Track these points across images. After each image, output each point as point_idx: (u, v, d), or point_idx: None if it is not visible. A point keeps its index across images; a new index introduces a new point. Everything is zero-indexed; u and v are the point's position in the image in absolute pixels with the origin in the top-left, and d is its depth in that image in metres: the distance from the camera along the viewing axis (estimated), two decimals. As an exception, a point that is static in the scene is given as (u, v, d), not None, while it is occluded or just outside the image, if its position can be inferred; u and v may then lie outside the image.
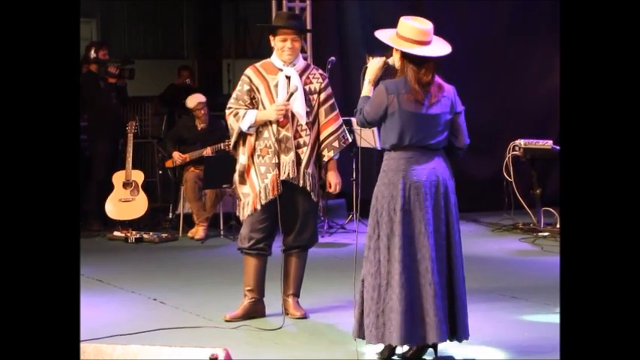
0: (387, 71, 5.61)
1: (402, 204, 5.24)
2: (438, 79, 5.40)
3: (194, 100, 10.42)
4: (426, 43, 5.34)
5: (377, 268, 5.26)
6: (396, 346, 5.34)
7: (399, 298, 5.16)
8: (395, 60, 5.43)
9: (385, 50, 5.49)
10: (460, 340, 5.36)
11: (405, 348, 5.38)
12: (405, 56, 5.33)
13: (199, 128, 10.44)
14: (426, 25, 5.41)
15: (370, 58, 5.63)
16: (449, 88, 5.44)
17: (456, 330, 5.31)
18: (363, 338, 5.33)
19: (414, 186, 5.25)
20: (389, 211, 5.26)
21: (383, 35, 5.43)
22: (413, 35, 5.32)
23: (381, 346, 5.39)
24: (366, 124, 5.49)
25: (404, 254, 5.19)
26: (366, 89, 5.52)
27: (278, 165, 6.19)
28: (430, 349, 5.40)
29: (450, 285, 5.30)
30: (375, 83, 5.47)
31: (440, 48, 5.39)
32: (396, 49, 5.36)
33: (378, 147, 5.46)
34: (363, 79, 5.57)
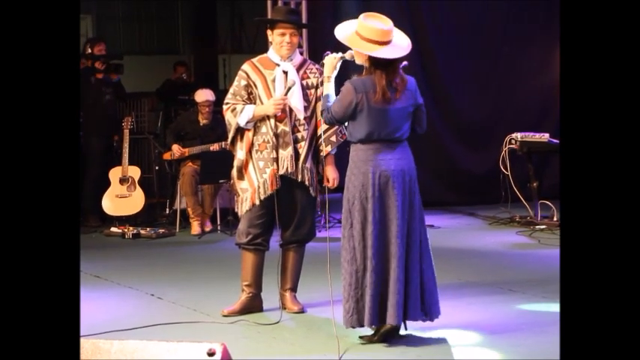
0: (347, 65, 5.80)
1: (373, 192, 5.47)
2: (400, 72, 5.57)
3: (202, 96, 10.44)
4: (389, 42, 5.48)
5: (352, 254, 5.49)
6: (381, 328, 5.54)
7: (370, 282, 5.42)
8: (358, 59, 5.58)
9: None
10: (432, 319, 5.58)
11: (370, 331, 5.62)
12: (372, 58, 5.47)
13: (201, 124, 10.45)
14: (387, 24, 5.51)
15: (327, 54, 5.75)
16: (411, 80, 5.61)
17: (426, 310, 5.54)
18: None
19: (383, 175, 5.48)
20: (361, 199, 5.49)
21: (344, 36, 5.55)
22: (375, 36, 5.45)
23: (361, 330, 5.62)
24: (335, 122, 5.71)
25: (374, 239, 5.44)
26: (326, 87, 5.71)
27: (276, 160, 6.18)
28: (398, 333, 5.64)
29: (407, 268, 5.49)
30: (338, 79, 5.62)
31: (402, 46, 5.53)
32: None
33: None
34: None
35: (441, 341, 5.66)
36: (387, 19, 5.52)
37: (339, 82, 5.77)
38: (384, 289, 5.45)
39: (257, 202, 6.21)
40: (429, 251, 5.62)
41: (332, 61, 5.72)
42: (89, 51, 10.98)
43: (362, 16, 5.53)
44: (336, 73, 5.73)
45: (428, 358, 5.37)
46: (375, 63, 5.46)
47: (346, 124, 5.67)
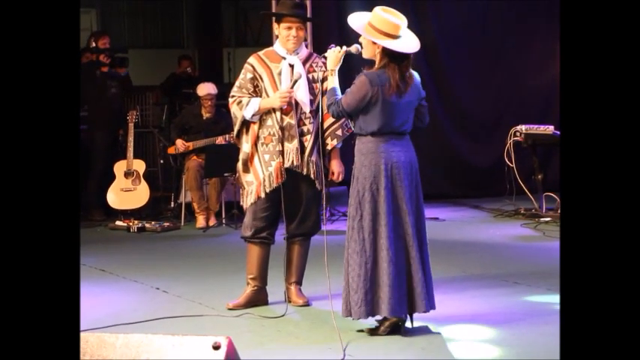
0: (351, 59, 5.83)
1: (386, 183, 5.51)
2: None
3: (204, 90, 10.45)
4: (401, 36, 5.50)
5: (362, 246, 5.50)
6: (386, 320, 5.58)
7: (388, 273, 5.45)
8: (367, 52, 5.59)
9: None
10: (428, 311, 5.60)
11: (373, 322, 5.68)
12: (385, 51, 5.48)
13: (204, 117, 10.47)
14: (402, 19, 5.53)
15: (332, 47, 5.77)
16: (415, 75, 5.64)
17: (429, 301, 5.61)
18: (351, 316, 5.57)
19: (394, 166, 5.52)
20: (371, 190, 5.51)
21: (358, 26, 5.57)
22: (390, 30, 5.48)
23: (366, 322, 5.67)
24: (345, 115, 5.70)
25: (389, 230, 5.47)
26: (331, 81, 5.72)
27: (282, 153, 6.19)
28: (402, 326, 5.64)
29: (422, 259, 5.58)
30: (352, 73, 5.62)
31: (414, 40, 5.56)
32: (376, 43, 5.50)
33: None
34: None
35: (445, 334, 5.66)
36: (400, 14, 5.54)
37: (341, 76, 5.77)
38: (406, 280, 5.50)
39: (262, 195, 6.21)
40: (427, 241, 5.69)
41: (336, 54, 5.73)
42: (93, 45, 10.98)
43: (377, 8, 5.53)
44: (339, 66, 5.75)
45: (432, 351, 5.38)
46: (391, 56, 5.47)
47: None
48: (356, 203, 5.56)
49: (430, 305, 5.59)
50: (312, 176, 6.24)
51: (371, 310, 5.52)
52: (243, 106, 6.22)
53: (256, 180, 6.23)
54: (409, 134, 5.67)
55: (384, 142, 5.54)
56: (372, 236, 5.49)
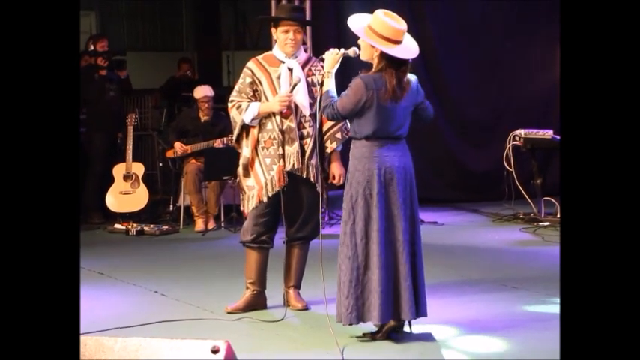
0: (350, 62, 5.82)
1: (379, 188, 5.48)
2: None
3: (201, 92, 10.45)
4: (400, 42, 5.48)
5: (354, 251, 5.50)
6: (384, 325, 5.56)
7: (378, 278, 5.43)
8: (365, 55, 5.57)
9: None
10: (414, 318, 5.57)
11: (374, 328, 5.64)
12: (384, 55, 5.46)
13: (202, 120, 10.46)
14: (402, 24, 5.52)
15: (328, 49, 5.77)
16: (413, 79, 5.61)
17: (419, 308, 5.55)
18: (342, 321, 5.55)
19: (388, 171, 5.49)
20: (365, 196, 5.49)
21: (358, 29, 5.54)
22: (390, 34, 5.45)
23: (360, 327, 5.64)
24: (339, 117, 5.69)
25: (381, 236, 5.45)
26: (327, 83, 5.71)
27: (283, 156, 6.18)
28: (400, 329, 5.65)
29: (414, 265, 5.53)
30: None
31: (413, 46, 5.54)
32: (374, 46, 5.48)
33: None
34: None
35: (443, 338, 5.66)
36: (401, 19, 5.52)
37: (339, 79, 5.77)
38: (393, 286, 5.47)
39: (264, 200, 6.20)
40: (421, 247, 5.66)
41: (333, 56, 5.72)
42: (92, 48, 10.99)
43: (378, 12, 5.51)
44: (336, 68, 5.73)
45: (430, 356, 5.37)
46: (389, 61, 5.45)
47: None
48: (349, 208, 5.55)
49: (418, 312, 5.54)
50: (312, 179, 6.23)
51: (362, 315, 5.50)
52: (242, 111, 6.21)
53: (257, 184, 6.22)
54: (405, 139, 5.65)
55: (378, 146, 5.51)
56: (364, 241, 5.48)
